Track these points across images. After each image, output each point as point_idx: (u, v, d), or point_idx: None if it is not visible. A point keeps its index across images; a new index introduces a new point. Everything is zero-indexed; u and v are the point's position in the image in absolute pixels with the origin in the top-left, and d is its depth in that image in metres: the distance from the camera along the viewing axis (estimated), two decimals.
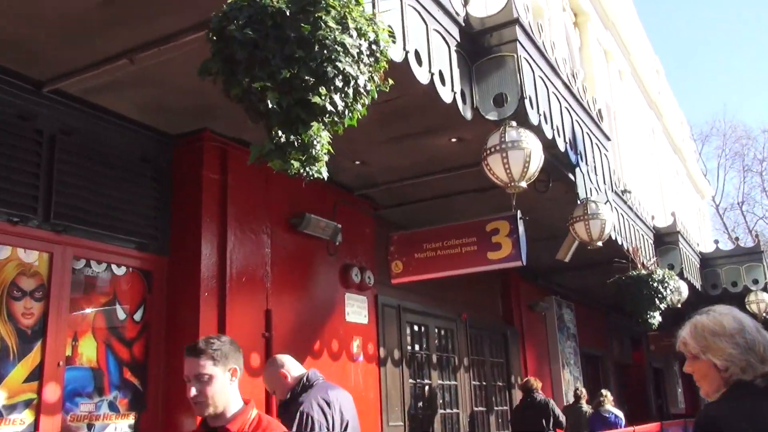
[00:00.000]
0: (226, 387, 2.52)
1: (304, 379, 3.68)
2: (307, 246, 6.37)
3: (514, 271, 10.93)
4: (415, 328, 8.52)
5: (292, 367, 3.76)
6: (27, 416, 4.31)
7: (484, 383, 10.07)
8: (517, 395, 10.81)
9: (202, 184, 5.40)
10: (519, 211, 6.65)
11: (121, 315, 5.05)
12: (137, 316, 5.16)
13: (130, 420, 4.97)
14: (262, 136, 5.04)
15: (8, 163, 4.35)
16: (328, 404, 3.55)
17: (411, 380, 8.09)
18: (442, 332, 9.15)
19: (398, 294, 7.92)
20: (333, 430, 3.50)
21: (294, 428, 3.42)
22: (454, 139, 6.01)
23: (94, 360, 4.80)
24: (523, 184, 4.78)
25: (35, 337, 4.43)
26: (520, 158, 4.63)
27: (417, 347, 8.49)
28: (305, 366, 6.14)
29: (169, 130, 5.43)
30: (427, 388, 8.48)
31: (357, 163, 6.38)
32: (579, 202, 6.78)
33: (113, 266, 5.04)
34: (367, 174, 6.73)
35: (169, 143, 5.49)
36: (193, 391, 2.49)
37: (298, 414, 3.46)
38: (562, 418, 9.14)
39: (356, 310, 6.95)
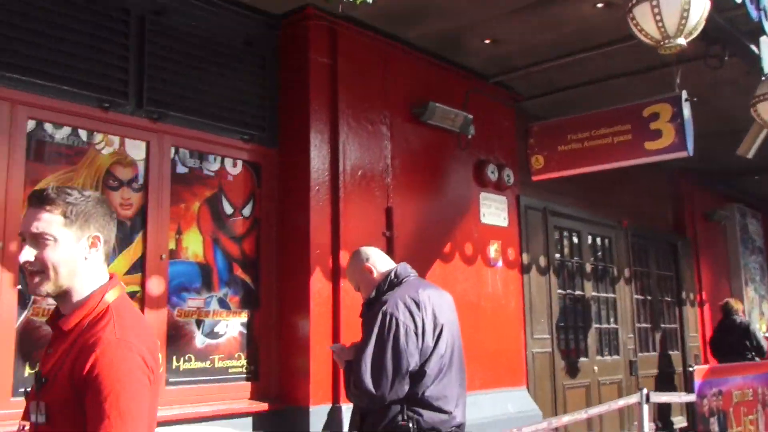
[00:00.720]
0: (77, 260, 1.74)
1: (392, 274, 3.09)
2: (434, 139, 5.76)
3: (687, 174, 9.67)
4: (565, 233, 7.71)
5: (378, 261, 3.19)
6: None
7: (650, 298, 9.09)
8: (689, 312, 9.73)
9: (310, 69, 4.92)
10: (684, 91, 5.57)
11: (229, 209, 4.78)
12: (246, 212, 4.88)
13: (243, 318, 4.76)
14: (373, 11, 4.46)
15: (94, 44, 4.09)
16: (417, 304, 2.95)
17: (560, 290, 7.36)
18: (598, 240, 8.25)
19: (545, 195, 7.13)
20: (423, 335, 2.91)
21: (375, 331, 2.89)
22: (600, 5, 5.04)
23: (201, 255, 4.59)
24: (681, 41, 3.81)
25: (135, 229, 4.26)
26: (675, 6, 3.65)
27: (567, 255, 7.71)
28: (433, 269, 5.72)
29: (273, 10, 4.96)
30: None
31: (487, 41, 5.59)
32: (763, 77, 5.55)
33: (217, 158, 4.75)
34: (502, 56, 5.92)
35: (273, 24, 5.04)
36: (25, 255, 1.71)
37: (380, 314, 2.90)
38: (764, 344, 8.07)
39: (494, 211, 6.29)
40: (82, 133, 4.09)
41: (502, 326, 6.16)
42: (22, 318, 3.74)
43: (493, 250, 6.19)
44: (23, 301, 3.75)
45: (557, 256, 7.42)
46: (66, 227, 1.73)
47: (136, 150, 4.31)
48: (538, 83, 6.46)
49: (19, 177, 3.77)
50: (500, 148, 6.42)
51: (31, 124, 3.87)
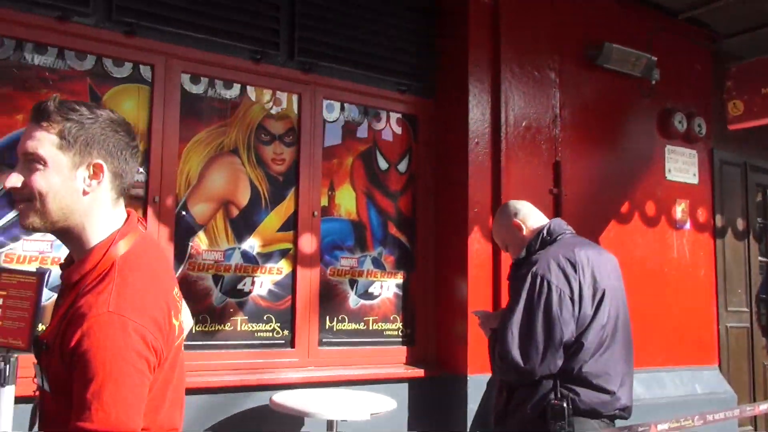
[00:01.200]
0: (73, 193, 1.44)
1: (544, 231, 2.69)
2: (610, 85, 5.15)
3: None
4: None
5: (529, 216, 2.79)
6: (284, 266, 4.12)
7: None
8: None
9: (469, 10, 4.53)
10: None
11: (383, 165, 4.56)
12: (401, 167, 4.63)
13: (398, 279, 4.55)
14: None
15: None
16: (573, 266, 2.53)
17: (762, 258, 6.44)
18: None
19: (744, 149, 6.21)
20: (580, 301, 2.49)
21: (523, 295, 2.51)
22: None
23: (354, 212, 4.42)
24: None
25: (287, 185, 4.16)
26: None
27: None
28: (608, 231, 5.15)
29: None
30: None
31: None
32: None
33: (371, 110, 4.53)
34: None
35: None
36: (11, 179, 1.44)
37: (529, 276, 2.52)
38: None
39: (681, 166, 5.56)
40: (234, 87, 4.03)
41: (689, 296, 5.47)
42: (178, 272, 3.77)
43: (679, 210, 5.48)
44: (180, 255, 3.79)
45: (759, 219, 6.48)
46: (61, 150, 1.43)
47: (288, 103, 4.19)
48: (740, 17, 5.55)
49: (174, 132, 3.78)
50: (690, 94, 5.63)
51: (184, 78, 3.85)
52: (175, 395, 1.52)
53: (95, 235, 1.48)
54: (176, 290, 1.58)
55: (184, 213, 3.82)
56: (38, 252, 3.37)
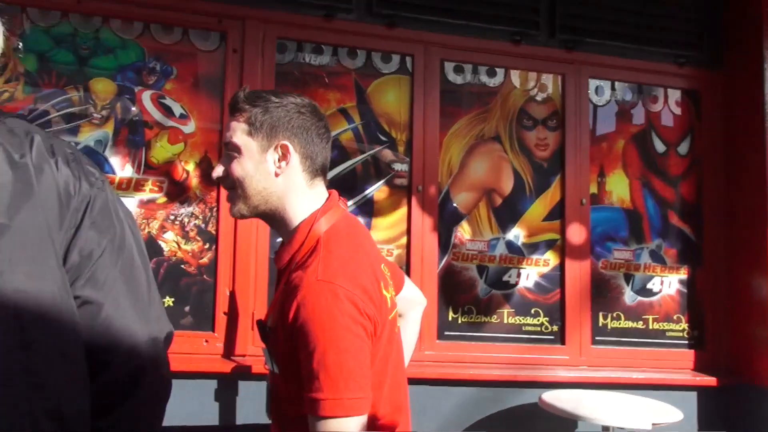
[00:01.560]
0: (266, 176, 1.50)
1: None
2: None
3: None
4: None
5: None
6: (551, 258, 3.86)
7: None
8: None
9: None
10: None
11: (660, 147, 4.09)
12: (682, 149, 4.12)
13: (681, 275, 4.04)
14: None
15: None
16: None
17: None
18: None
19: None
20: None
21: None
22: None
23: (628, 200, 4.02)
24: None
25: (552, 171, 3.90)
26: None
27: None
28: None
29: None
30: None
31: None
32: None
33: (645, 87, 4.10)
34: None
35: None
36: (216, 170, 1.54)
37: None
38: None
39: None
40: (494, 72, 3.88)
41: None
42: (443, 262, 3.72)
43: None
44: (444, 245, 3.72)
45: None
46: (250, 136, 1.49)
47: (551, 85, 3.95)
48: None
49: (435, 120, 3.73)
50: None
51: (444, 66, 3.81)
52: (396, 372, 1.47)
53: (297, 215, 1.51)
54: (383, 266, 1.56)
55: (454, 204, 3.76)
56: None
